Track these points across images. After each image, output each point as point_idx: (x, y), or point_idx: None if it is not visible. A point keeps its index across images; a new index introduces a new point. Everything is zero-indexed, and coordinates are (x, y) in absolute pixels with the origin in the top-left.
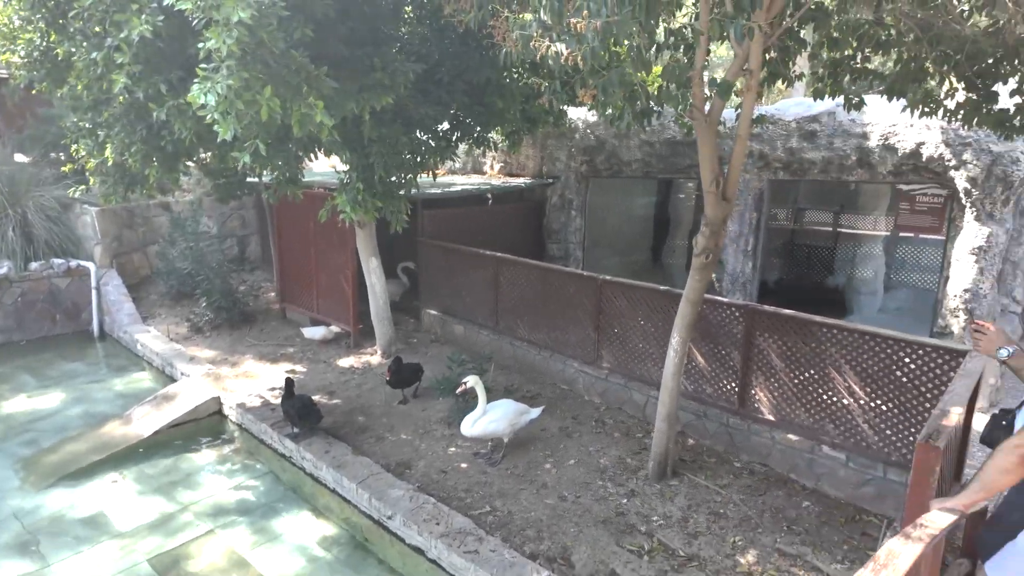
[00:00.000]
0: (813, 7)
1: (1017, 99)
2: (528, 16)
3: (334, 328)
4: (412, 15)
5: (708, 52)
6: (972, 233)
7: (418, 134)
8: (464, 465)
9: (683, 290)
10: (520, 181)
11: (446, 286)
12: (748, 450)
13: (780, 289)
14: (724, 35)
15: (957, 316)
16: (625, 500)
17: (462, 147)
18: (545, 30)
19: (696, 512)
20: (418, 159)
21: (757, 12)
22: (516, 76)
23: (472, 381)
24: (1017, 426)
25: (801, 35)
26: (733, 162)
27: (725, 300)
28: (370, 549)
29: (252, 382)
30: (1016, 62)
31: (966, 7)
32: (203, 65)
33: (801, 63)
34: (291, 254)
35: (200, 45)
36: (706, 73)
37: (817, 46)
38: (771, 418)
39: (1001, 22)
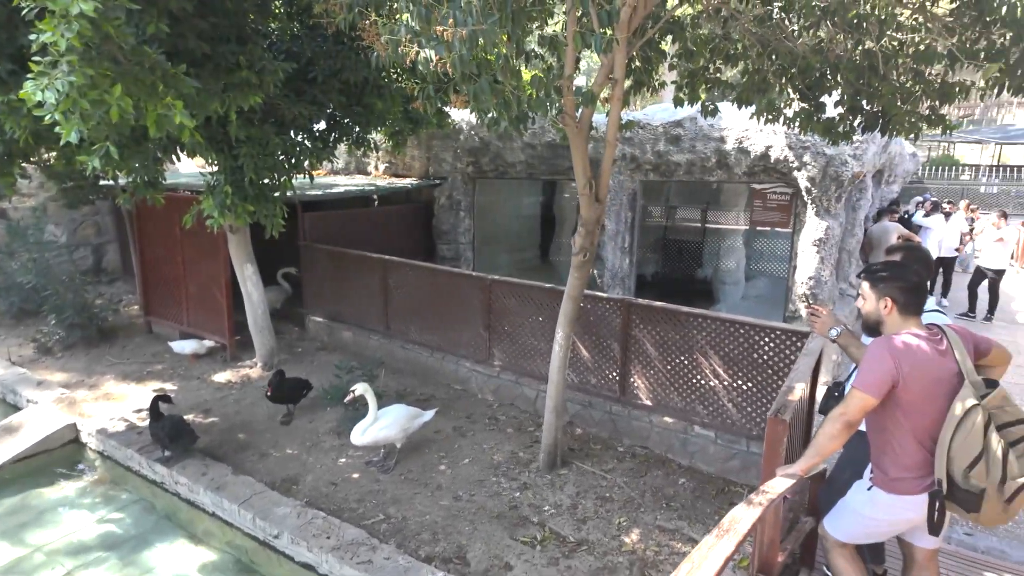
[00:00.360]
0: (670, 21)
1: (840, 109)
2: (406, 16)
3: (207, 342)
4: (282, 11)
5: (578, 60)
6: (813, 226)
7: (292, 134)
8: (356, 475)
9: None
10: (406, 182)
11: (332, 291)
12: (630, 434)
13: (656, 282)
14: (588, 46)
15: (804, 301)
16: (518, 493)
17: (342, 148)
18: (414, 36)
19: (584, 498)
20: (293, 160)
21: (618, 25)
22: (395, 77)
23: (360, 389)
24: None
25: (661, 47)
26: (604, 166)
27: (604, 295)
28: (257, 571)
29: (115, 405)
30: (838, 77)
31: (796, 27)
32: (37, 58)
33: (667, 73)
34: (156, 263)
35: (33, 37)
36: (580, 79)
37: (675, 57)
38: (649, 403)
39: (824, 41)
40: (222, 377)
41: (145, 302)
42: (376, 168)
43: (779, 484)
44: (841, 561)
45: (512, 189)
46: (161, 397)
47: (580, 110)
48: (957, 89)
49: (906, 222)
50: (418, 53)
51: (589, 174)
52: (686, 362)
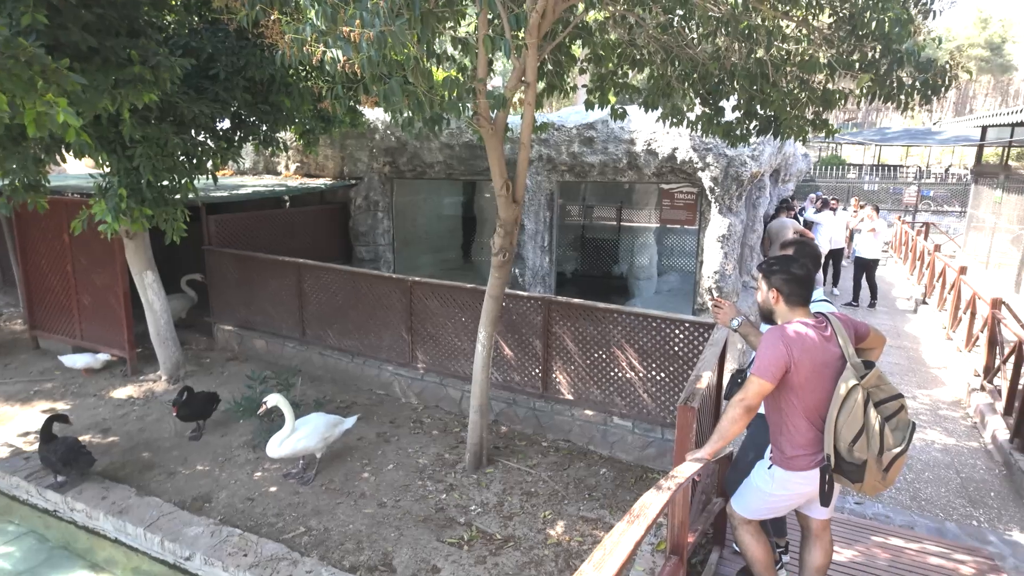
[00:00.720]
0: (579, 26)
1: (738, 113)
2: (311, 15)
3: (102, 356)
4: (179, 4)
5: (491, 63)
6: (717, 224)
7: (193, 134)
8: (274, 488)
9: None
10: (320, 182)
11: (242, 298)
12: (553, 429)
13: (575, 279)
14: (498, 49)
15: (711, 294)
16: (444, 495)
17: (248, 147)
18: (320, 35)
19: (510, 495)
20: (194, 161)
21: (528, 29)
22: (304, 75)
23: (272, 400)
24: None
25: (572, 51)
26: (519, 167)
27: (525, 294)
28: None
29: None
30: (734, 83)
31: (695, 35)
32: None
33: (579, 77)
34: (41, 273)
35: None
36: (496, 80)
37: (585, 61)
38: (571, 397)
39: (721, 49)
40: (122, 393)
41: (30, 315)
42: (287, 168)
43: (687, 469)
44: (747, 536)
45: (432, 189)
46: (55, 417)
47: (495, 112)
48: (837, 96)
49: (805, 221)
50: (324, 53)
51: (505, 175)
52: (604, 356)
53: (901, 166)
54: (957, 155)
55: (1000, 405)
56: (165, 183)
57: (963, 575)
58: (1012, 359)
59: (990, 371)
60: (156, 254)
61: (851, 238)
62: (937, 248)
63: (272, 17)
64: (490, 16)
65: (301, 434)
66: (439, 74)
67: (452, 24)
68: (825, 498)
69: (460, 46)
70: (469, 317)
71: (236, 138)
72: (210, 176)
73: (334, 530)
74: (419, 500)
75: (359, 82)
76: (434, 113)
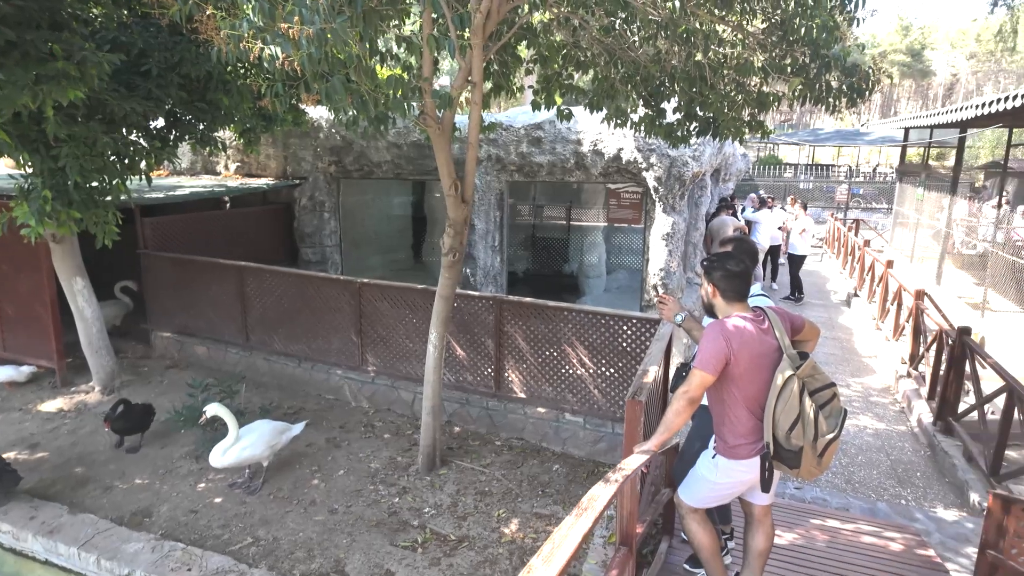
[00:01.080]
0: (524, 27)
1: (679, 115)
2: (248, 9)
3: (26, 368)
4: None
5: (438, 62)
6: (662, 222)
7: (124, 133)
8: (219, 500)
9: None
10: (262, 182)
11: (181, 303)
12: (506, 428)
13: (526, 279)
14: (443, 49)
15: (658, 290)
16: (397, 499)
17: (185, 147)
18: (257, 32)
19: (464, 495)
20: (126, 161)
21: (472, 29)
22: (243, 72)
23: (212, 409)
24: None
25: (518, 52)
26: (467, 167)
27: (477, 294)
28: None
29: None
30: (675, 85)
31: (637, 38)
32: None
33: (527, 77)
34: None
35: None
36: (444, 79)
37: (531, 62)
38: (523, 396)
39: (661, 52)
40: (52, 406)
41: None
42: (227, 168)
43: (634, 461)
44: (694, 525)
45: (380, 189)
46: None
47: (442, 112)
48: (771, 98)
49: (745, 220)
50: (263, 50)
51: (454, 175)
52: (556, 354)
53: (833, 165)
54: (884, 155)
55: (924, 390)
56: (94, 184)
57: (893, 551)
58: (934, 347)
59: (915, 358)
60: (87, 259)
61: (788, 235)
62: (867, 244)
63: (207, 12)
64: (435, 15)
65: (246, 442)
66: (383, 73)
67: (396, 23)
68: (766, 484)
69: (405, 45)
70: (420, 318)
71: (171, 137)
72: (144, 177)
73: (283, 539)
74: (371, 505)
75: (300, 80)
76: (379, 112)
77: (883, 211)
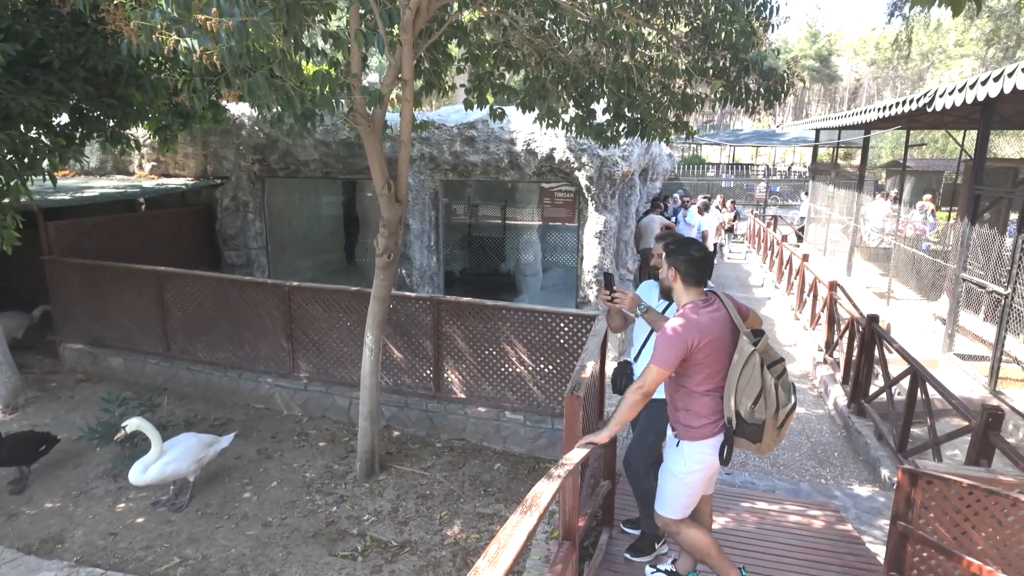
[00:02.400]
0: (455, 26)
1: (608, 115)
2: (161, 1)
3: None
4: None
5: (366, 58)
6: (594, 221)
7: (23, 129)
8: (141, 519)
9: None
10: (180, 182)
11: (93, 312)
12: (447, 429)
13: (464, 278)
14: (371, 45)
15: (591, 288)
16: (335, 508)
17: (93, 145)
18: (172, 23)
19: (405, 500)
20: (25, 160)
21: (401, 25)
22: (157, 66)
23: (133, 424)
24: (636, 373)
25: (450, 50)
26: (400, 166)
27: (413, 294)
28: None
29: None
30: (604, 86)
31: (566, 39)
32: None
33: (459, 76)
34: None
35: None
36: (374, 76)
37: (462, 61)
38: (463, 396)
39: (590, 54)
40: None
41: None
42: (141, 168)
43: (576, 455)
44: (686, 533)
45: (309, 189)
46: None
47: (372, 109)
48: (695, 100)
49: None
50: (178, 43)
51: (386, 174)
52: (495, 352)
53: (752, 165)
54: (798, 154)
55: (839, 375)
56: None
57: (816, 528)
58: (847, 334)
59: (830, 346)
60: None
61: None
62: (784, 239)
63: (114, 2)
64: (362, 11)
65: (170, 457)
66: (310, 68)
67: (322, 17)
68: (725, 460)
69: (332, 40)
70: (355, 321)
71: (77, 135)
72: (47, 177)
73: (213, 557)
74: (308, 515)
75: (220, 75)
76: (305, 109)
77: (799, 207)
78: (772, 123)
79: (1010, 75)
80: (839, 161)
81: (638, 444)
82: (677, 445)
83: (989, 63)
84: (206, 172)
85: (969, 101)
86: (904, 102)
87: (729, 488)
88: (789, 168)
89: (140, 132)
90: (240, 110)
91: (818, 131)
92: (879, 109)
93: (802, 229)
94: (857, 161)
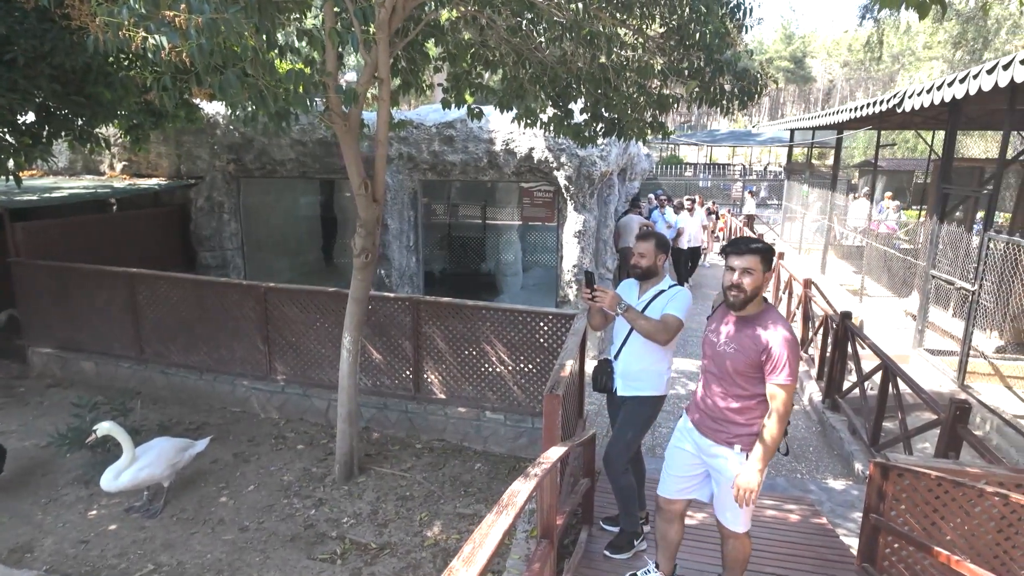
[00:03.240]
0: (432, 25)
1: (585, 115)
2: None
3: None
4: None
5: (342, 57)
6: (573, 220)
7: None
8: (113, 526)
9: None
10: (153, 182)
11: (63, 316)
12: (427, 430)
13: (443, 278)
14: (346, 43)
15: (571, 287)
16: (313, 511)
17: (62, 145)
18: (139, 19)
19: (385, 502)
20: None
21: (377, 24)
22: (127, 64)
23: (104, 429)
24: (618, 371)
25: (427, 49)
26: (377, 165)
27: (392, 295)
28: None
29: None
30: (581, 86)
31: (543, 39)
32: None
33: (436, 75)
34: None
35: None
36: (351, 76)
37: (439, 60)
38: (443, 396)
39: (567, 54)
40: None
41: None
42: (112, 168)
43: (553, 453)
44: (661, 522)
45: (285, 188)
46: None
47: (348, 108)
48: (671, 100)
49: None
50: (145, 39)
51: (363, 173)
52: (475, 353)
53: (728, 164)
54: (773, 154)
55: (814, 371)
56: None
57: (792, 522)
58: (821, 331)
59: (805, 342)
60: None
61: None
62: (760, 237)
63: None
64: (337, 9)
65: (143, 462)
66: (283, 66)
67: (297, 15)
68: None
69: (307, 39)
70: (332, 323)
71: (44, 133)
72: (11, 177)
73: (189, 563)
74: (286, 519)
75: (192, 73)
76: (279, 107)
77: (774, 207)
78: (748, 124)
79: (975, 77)
80: (813, 161)
81: (617, 441)
82: (747, 457)
83: (957, 65)
84: (180, 172)
85: (937, 102)
86: (875, 103)
87: None
88: (765, 168)
89: (111, 131)
90: (214, 109)
91: (792, 131)
92: (851, 110)
93: (750, 220)
94: (831, 161)
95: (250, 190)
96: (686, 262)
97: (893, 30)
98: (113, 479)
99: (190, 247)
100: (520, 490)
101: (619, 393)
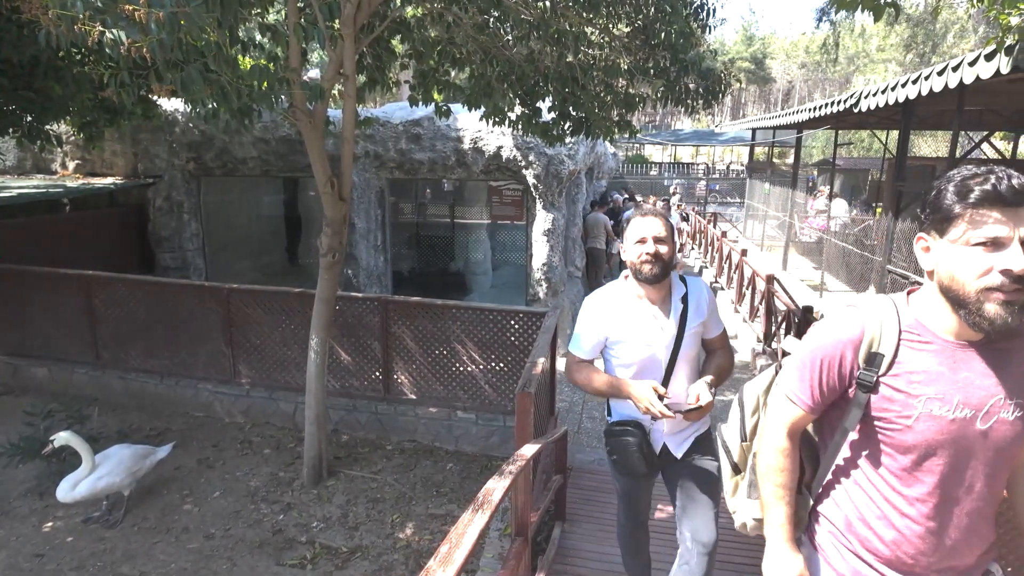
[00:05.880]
0: (398, 21)
1: (553, 114)
2: None
3: None
4: None
5: (306, 53)
6: (542, 219)
7: None
8: (71, 538)
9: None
10: (108, 182)
11: (13, 321)
12: (397, 431)
13: (412, 278)
14: (311, 39)
15: (541, 285)
16: (282, 516)
17: (9, 142)
18: (95, 13)
19: (355, 505)
20: None
21: (342, 19)
22: (79, 58)
23: (62, 439)
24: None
25: (393, 46)
26: (343, 163)
27: (360, 295)
28: None
29: None
30: (548, 85)
31: (511, 37)
32: None
33: (403, 72)
34: None
35: None
36: (314, 73)
37: (406, 57)
38: (414, 397)
39: (535, 52)
40: None
41: None
42: (64, 167)
43: (527, 451)
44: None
45: (247, 187)
46: None
47: (313, 105)
48: (637, 99)
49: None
50: (103, 34)
51: (329, 172)
52: (446, 352)
53: (692, 163)
54: (735, 153)
55: (778, 366)
56: None
57: None
58: (784, 325)
59: (769, 336)
60: None
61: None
62: (724, 235)
63: None
64: (301, 4)
65: (102, 471)
66: (246, 62)
67: (259, 11)
68: None
69: (270, 34)
70: (298, 324)
71: None
72: None
73: (152, 573)
74: (253, 525)
75: (151, 68)
76: (242, 104)
77: (736, 205)
78: (711, 123)
79: (927, 79)
80: (774, 160)
81: (714, 518)
82: None
83: (908, 67)
84: (136, 171)
85: (891, 103)
86: (833, 103)
87: None
88: (728, 167)
89: (63, 128)
90: (173, 106)
91: (754, 131)
92: (810, 110)
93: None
94: (791, 160)
95: (211, 189)
96: None
97: (848, 33)
98: (70, 490)
99: (148, 248)
100: (495, 488)
101: (679, 455)
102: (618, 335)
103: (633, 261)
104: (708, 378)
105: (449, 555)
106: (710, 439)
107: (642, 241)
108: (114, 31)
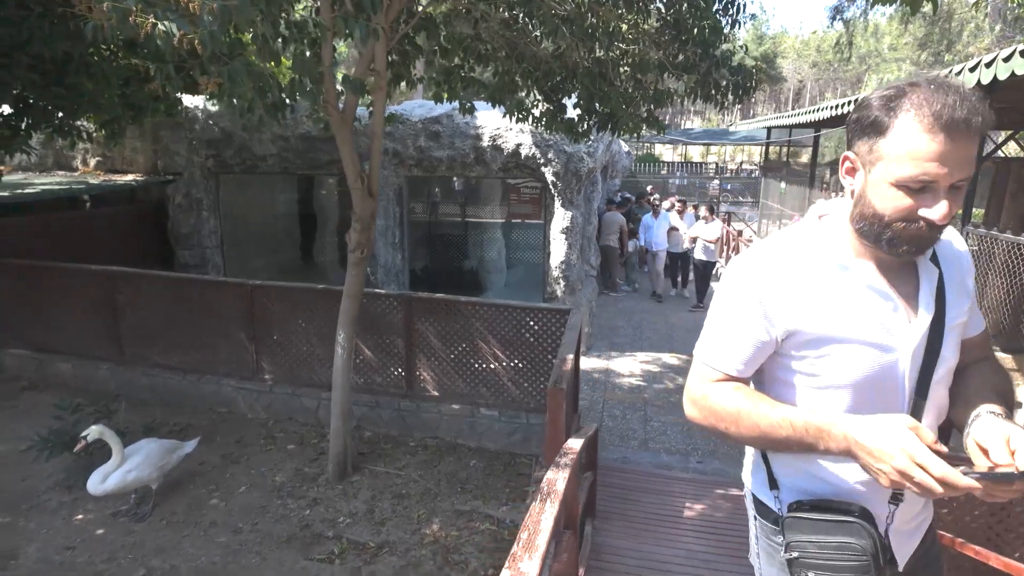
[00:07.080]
0: (424, 18)
1: (579, 110)
2: None
3: None
4: None
5: (334, 49)
6: (560, 217)
7: None
8: (101, 531)
9: (341, 287)
10: (129, 179)
11: (37, 316)
12: (420, 427)
13: (427, 276)
14: (348, 33)
15: (559, 283)
16: (308, 511)
17: (37, 137)
18: (147, 6)
19: (381, 500)
20: None
21: (379, 14)
22: (109, 54)
23: (95, 433)
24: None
25: (417, 42)
26: (373, 158)
27: (383, 292)
28: None
29: None
30: (575, 81)
31: (538, 33)
32: None
33: (420, 70)
34: None
35: None
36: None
37: (431, 53)
38: (436, 393)
39: (563, 48)
40: None
41: None
42: (85, 163)
43: (575, 445)
44: None
45: (265, 185)
46: None
47: (343, 100)
48: (666, 95)
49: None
50: (155, 26)
51: (359, 167)
52: (468, 349)
53: (703, 163)
54: (746, 152)
55: None
56: None
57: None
58: None
59: None
60: None
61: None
62: (739, 234)
63: None
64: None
65: (131, 465)
66: (285, 60)
67: (288, 5)
68: None
69: (292, 29)
70: (321, 320)
71: (23, 126)
72: None
73: (182, 566)
74: (280, 520)
75: (193, 62)
76: (277, 99)
77: (749, 204)
78: (722, 122)
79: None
80: (789, 159)
81: None
82: None
83: (923, 66)
84: (156, 168)
85: None
86: (851, 102)
87: (701, 476)
88: (739, 166)
89: (88, 124)
90: (194, 102)
91: (769, 129)
92: (830, 108)
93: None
94: (802, 159)
95: (229, 186)
96: (677, 271)
97: (861, 32)
98: (100, 483)
99: (167, 245)
100: (556, 478)
101: (902, 562)
102: (821, 328)
103: (890, 216)
104: (996, 408)
105: (531, 541)
106: (934, 534)
107: (925, 188)
108: (166, 23)
